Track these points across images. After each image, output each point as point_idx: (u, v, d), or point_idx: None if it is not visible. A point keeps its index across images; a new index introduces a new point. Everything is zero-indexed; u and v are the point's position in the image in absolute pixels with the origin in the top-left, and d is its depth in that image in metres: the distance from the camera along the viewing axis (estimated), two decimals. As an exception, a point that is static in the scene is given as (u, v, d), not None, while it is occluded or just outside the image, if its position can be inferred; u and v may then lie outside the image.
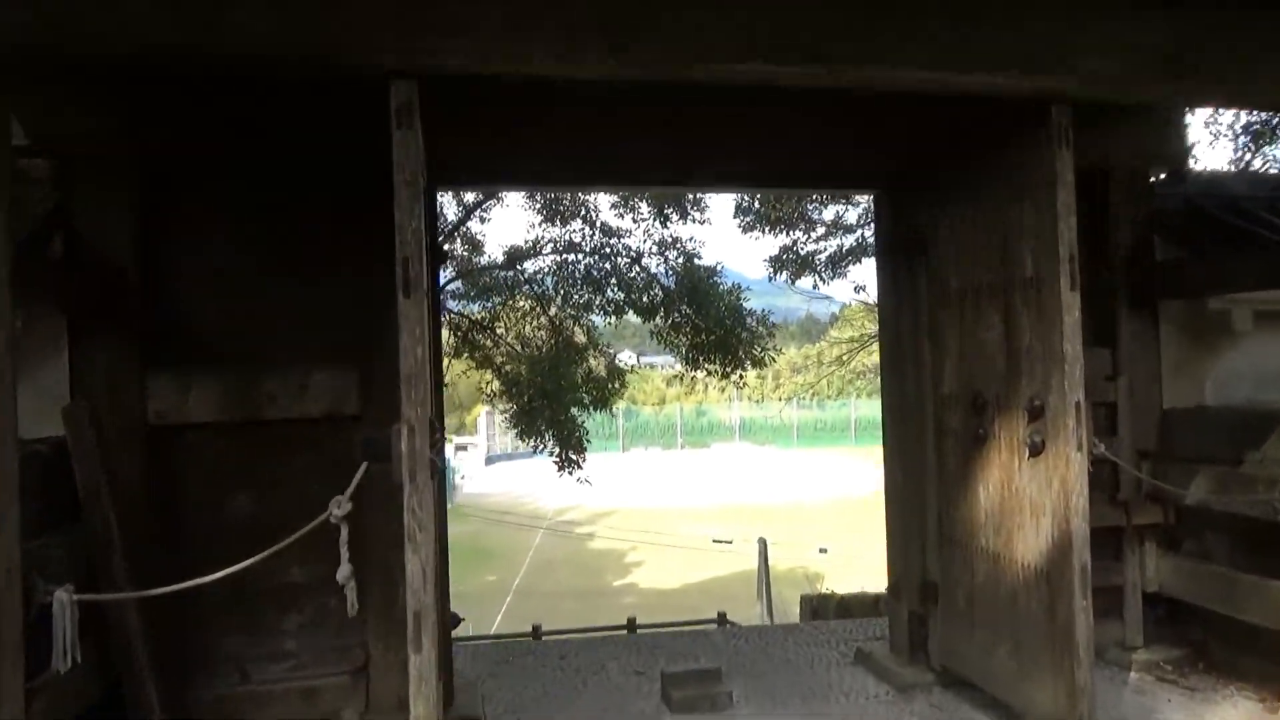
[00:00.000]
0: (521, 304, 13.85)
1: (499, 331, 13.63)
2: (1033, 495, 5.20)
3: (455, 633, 7.44)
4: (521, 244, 13.30)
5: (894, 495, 6.79)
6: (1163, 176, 6.80)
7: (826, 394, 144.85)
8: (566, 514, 69.47)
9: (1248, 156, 11.94)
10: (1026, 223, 5.17)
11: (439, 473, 5.64)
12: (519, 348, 13.50)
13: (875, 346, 16.25)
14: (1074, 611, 4.83)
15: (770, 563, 34.44)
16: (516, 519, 69.61)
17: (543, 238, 13.23)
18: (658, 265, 12.84)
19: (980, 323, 5.68)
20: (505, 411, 12.37)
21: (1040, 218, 5.02)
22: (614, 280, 12.92)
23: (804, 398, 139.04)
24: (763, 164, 6.37)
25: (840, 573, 40.09)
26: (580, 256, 13.00)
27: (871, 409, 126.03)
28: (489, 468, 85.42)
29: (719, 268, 12.68)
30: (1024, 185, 5.14)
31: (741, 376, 12.73)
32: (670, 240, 13.00)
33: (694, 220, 12.84)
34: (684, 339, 12.35)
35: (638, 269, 12.83)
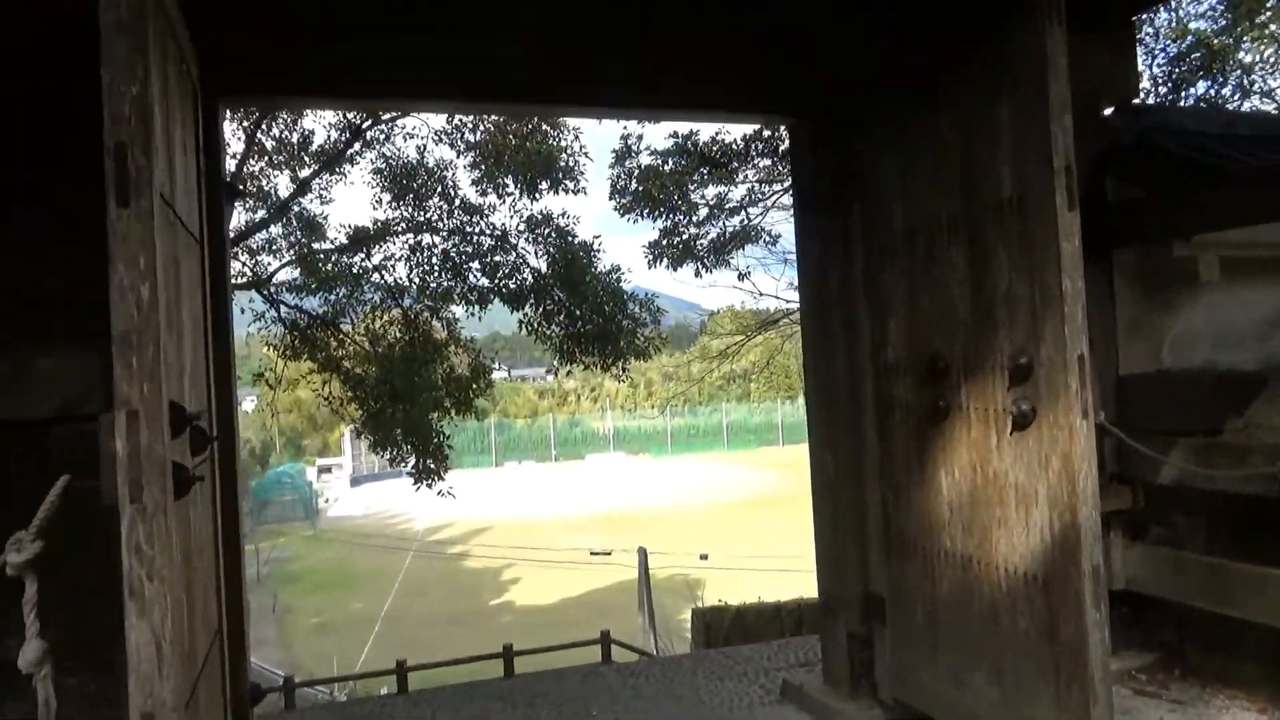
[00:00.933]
0: (370, 296, 11.77)
1: (344, 329, 11.46)
2: (1019, 480, 4.04)
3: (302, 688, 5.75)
4: (369, 225, 11.32)
5: (824, 491, 5.56)
6: (1113, 109, 5.85)
7: (698, 400, 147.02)
8: (438, 533, 66.72)
9: (1164, 91, 11.52)
10: (1003, 130, 4.02)
11: (233, 494, 4.00)
12: (368, 346, 11.29)
13: (742, 351, 15.11)
14: (1085, 628, 3.69)
15: (650, 572, 33.40)
16: (385, 541, 66.41)
17: (393, 218, 11.32)
18: (526, 245, 11.05)
19: (936, 267, 4.51)
20: (353, 421, 10.34)
21: (1024, 119, 3.87)
22: (476, 265, 11.10)
23: (676, 404, 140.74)
24: (654, 82, 5.03)
25: (722, 579, 39.50)
26: (437, 239, 11.14)
27: (741, 413, 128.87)
28: (355, 489, 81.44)
29: (597, 245, 10.94)
30: (1000, 81, 3.99)
31: (624, 369, 11.03)
32: (541, 217, 11.28)
33: (567, 190, 11.09)
34: (558, 329, 10.72)
35: (503, 251, 11.03)
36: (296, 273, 11.42)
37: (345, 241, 11.55)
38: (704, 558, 33.87)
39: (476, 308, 10.79)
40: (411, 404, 9.39)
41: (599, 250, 10.91)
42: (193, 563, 3.43)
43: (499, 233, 11.09)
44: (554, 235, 11.01)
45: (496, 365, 11.06)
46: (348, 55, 4.51)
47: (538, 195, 10.66)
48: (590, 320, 10.40)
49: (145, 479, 2.68)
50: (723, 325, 35.56)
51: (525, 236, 10.48)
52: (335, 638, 49.14)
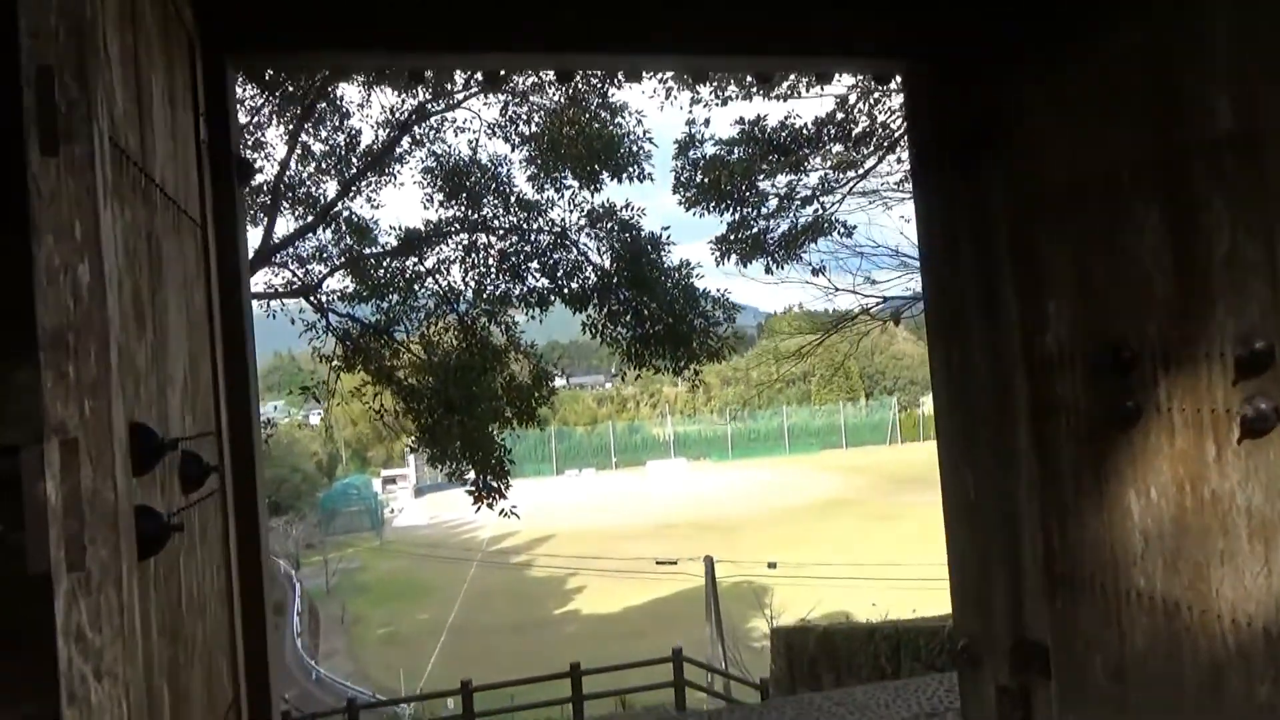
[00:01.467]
0: (424, 302, 10.83)
1: (398, 338, 10.62)
2: (1253, 504, 3.06)
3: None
4: (420, 227, 10.33)
5: (960, 513, 4.61)
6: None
7: (757, 404, 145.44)
8: (502, 542, 66.70)
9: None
10: (1219, 41, 3.05)
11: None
12: (423, 355, 10.42)
13: (814, 351, 14.11)
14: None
15: (716, 580, 32.46)
16: (450, 551, 66.56)
17: (445, 219, 10.48)
18: (588, 241, 10.06)
19: (1117, 228, 3.54)
20: (408, 435, 9.63)
21: (1254, 22, 2.90)
22: (535, 265, 10.18)
23: (736, 408, 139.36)
24: (751, 21, 4.15)
25: (791, 588, 38.35)
26: (493, 239, 10.27)
27: (802, 416, 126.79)
28: (419, 499, 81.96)
29: (665, 237, 9.92)
30: (1216, -25, 3.02)
31: (697, 373, 9.98)
32: (603, 210, 10.27)
33: (630, 178, 9.97)
34: (624, 331, 9.72)
35: (563, 249, 10.14)
36: (347, 281, 10.83)
37: (395, 244, 10.71)
38: (772, 566, 32.82)
39: (536, 310, 10.06)
40: (470, 416, 8.67)
41: (668, 244, 9.99)
42: (185, 630, 2.66)
43: (558, 229, 10.18)
44: (618, 229, 10.05)
45: (559, 372, 10.30)
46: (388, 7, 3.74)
47: (599, 186, 9.83)
48: (660, 320, 9.42)
49: (89, 535, 1.90)
50: (783, 326, 34.52)
51: (586, 232, 10.04)
52: (402, 648, 49.22)
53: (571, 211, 10.33)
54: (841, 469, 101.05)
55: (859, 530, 63.98)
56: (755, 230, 10.96)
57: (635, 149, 9.63)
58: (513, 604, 53.11)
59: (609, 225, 10.03)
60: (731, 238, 10.91)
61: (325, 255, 10.36)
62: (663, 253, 9.84)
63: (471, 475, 9.71)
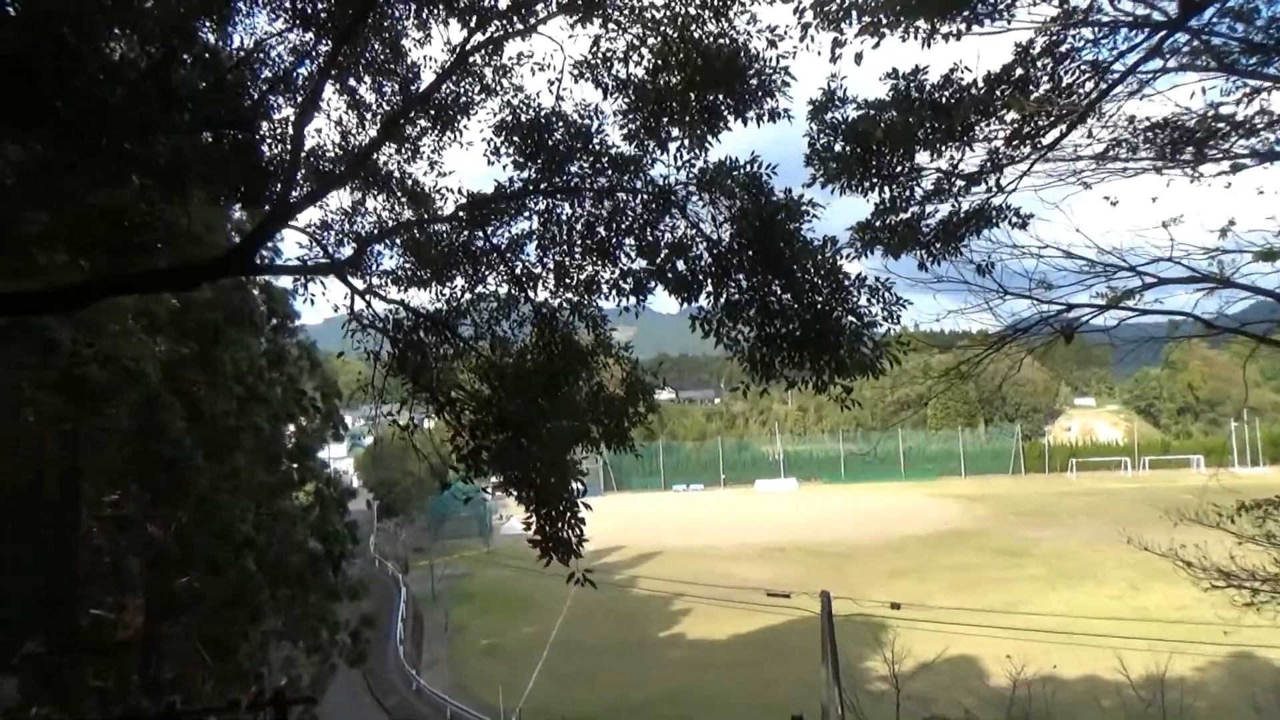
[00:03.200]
0: (494, 287, 8.54)
1: (462, 333, 8.37)
2: None
3: None
4: (489, 192, 8.03)
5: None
6: None
7: (870, 425, 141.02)
8: (606, 557, 65.15)
9: None
10: None
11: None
12: (492, 354, 8.18)
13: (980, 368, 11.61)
14: None
15: (833, 618, 29.93)
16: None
17: (520, 182, 8.03)
18: (699, 209, 7.35)
19: None
20: (461, 454, 7.12)
21: None
22: (630, 241, 7.71)
23: (849, 430, 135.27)
24: None
25: (911, 628, 35.35)
26: (579, 208, 7.91)
27: (917, 440, 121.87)
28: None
29: (805, 200, 7.19)
30: None
31: (847, 390, 7.22)
32: (722, 167, 7.40)
33: (761, 115, 7.51)
34: (746, 329, 7.21)
35: (668, 218, 7.61)
36: (396, 257, 8.82)
37: (458, 212, 8.35)
38: (895, 607, 29.98)
39: (631, 300, 7.51)
40: (531, 438, 6.62)
41: (810, 212, 7.23)
42: None
43: (662, 190, 7.67)
44: (740, 190, 7.30)
45: (661, 382, 7.91)
46: None
47: (716, 128, 7.25)
48: (795, 316, 6.92)
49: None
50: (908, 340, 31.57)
51: (698, 199, 7.41)
52: (503, 662, 48.19)
53: (680, 167, 7.76)
54: (961, 497, 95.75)
55: (982, 566, 59.75)
56: (909, 215, 8.79)
57: (767, 77, 7.16)
58: (616, 623, 51.40)
59: (727, 185, 7.28)
60: (877, 224, 8.72)
61: (360, 217, 8.57)
62: (802, 221, 7.16)
63: (535, 515, 7.24)
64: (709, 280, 6.48)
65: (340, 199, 7.71)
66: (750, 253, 6.18)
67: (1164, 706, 29.89)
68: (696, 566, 61.49)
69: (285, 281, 27.22)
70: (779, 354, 6.24)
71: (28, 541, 22.79)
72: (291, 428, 24.12)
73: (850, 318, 6.07)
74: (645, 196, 6.90)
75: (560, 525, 6.92)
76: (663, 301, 7.77)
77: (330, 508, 23.08)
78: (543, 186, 7.12)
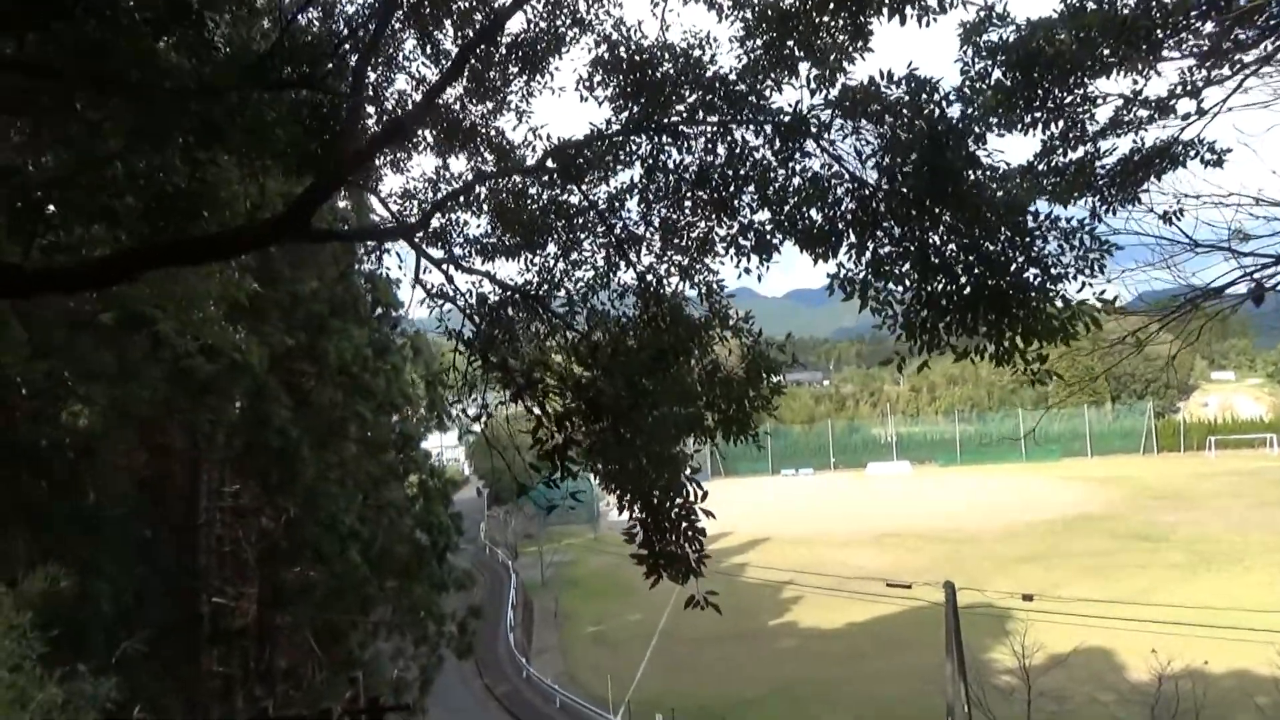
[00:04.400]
0: (590, 254, 7.30)
1: (555, 306, 7.14)
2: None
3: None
4: (586, 134, 6.79)
5: None
6: None
7: (987, 405, 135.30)
8: (715, 543, 63.96)
9: None
10: None
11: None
12: (588, 331, 7.01)
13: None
14: None
15: (958, 610, 28.13)
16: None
17: (619, 127, 6.82)
18: (843, 140, 5.84)
19: None
20: (542, 447, 5.74)
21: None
22: (752, 190, 6.24)
23: (964, 410, 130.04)
24: None
25: (1040, 618, 33.00)
26: (689, 154, 6.54)
27: (1037, 420, 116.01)
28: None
29: (976, 116, 5.86)
30: None
31: (1040, 357, 5.50)
32: (869, 87, 5.82)
33: (922, 15, 5.92)
34: (901, 287, 5.69)
35: (799, 159, 6.07)
36: (481, 226, 7.65)
37: (545, 162, 7.13)
38: (1028, 599, 27.93)
39: (753, 260, 6.22)
40: (641, 430, 5.36)
41: (984, 137, 5.58)
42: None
43: (791, 123, 6.09)
44: (894, 113, 5.69)
45: (790, 359, 6.46)
46: None
47: (864, 37, 5.95)
48: (965, 268, 5.37)
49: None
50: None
51: (838, 129, 5.76)
52: (611, 651, 47.82)
53: (815, 89, 6.19)
54: (1088, 480, 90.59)
55: (1114, 551, 56.08)
56: (1080, 154, 7.31)
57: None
58: (725, 610, 49.83)
59: (876, 108, 5.72)
60: (1040, 166, 7.24)
61: (440, 178, 7.50)
62: (977, 151, 5.48)
63: (641, 526, 5.84)
64: (851, 229, 5.21)
65: (421, 164, 6.91)
66: (906, 191, 4.88)
67: (1334, 706, 27.05)
68: (807, 553, 59.79)
69: (392, 271, 27.01)
70: (944, 317, 4.91)
71: (156, 530, 23.38)
72: (396, 418, 23.92)
73: (1033, 269, 4.71)
74: (770, 132, 5.65)
75: (673, 536, 5.59)
76: (767, 282, 6.59)
77: (435, 499, 22.77)
78: (647, 127, 5.98)
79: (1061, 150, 7.62)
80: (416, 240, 6.23)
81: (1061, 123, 7.44)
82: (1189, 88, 7.74)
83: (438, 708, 29.44)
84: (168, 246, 5.24)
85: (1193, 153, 7.77)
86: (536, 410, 5.23)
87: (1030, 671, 31.70)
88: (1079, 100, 7.53)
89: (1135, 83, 7.58)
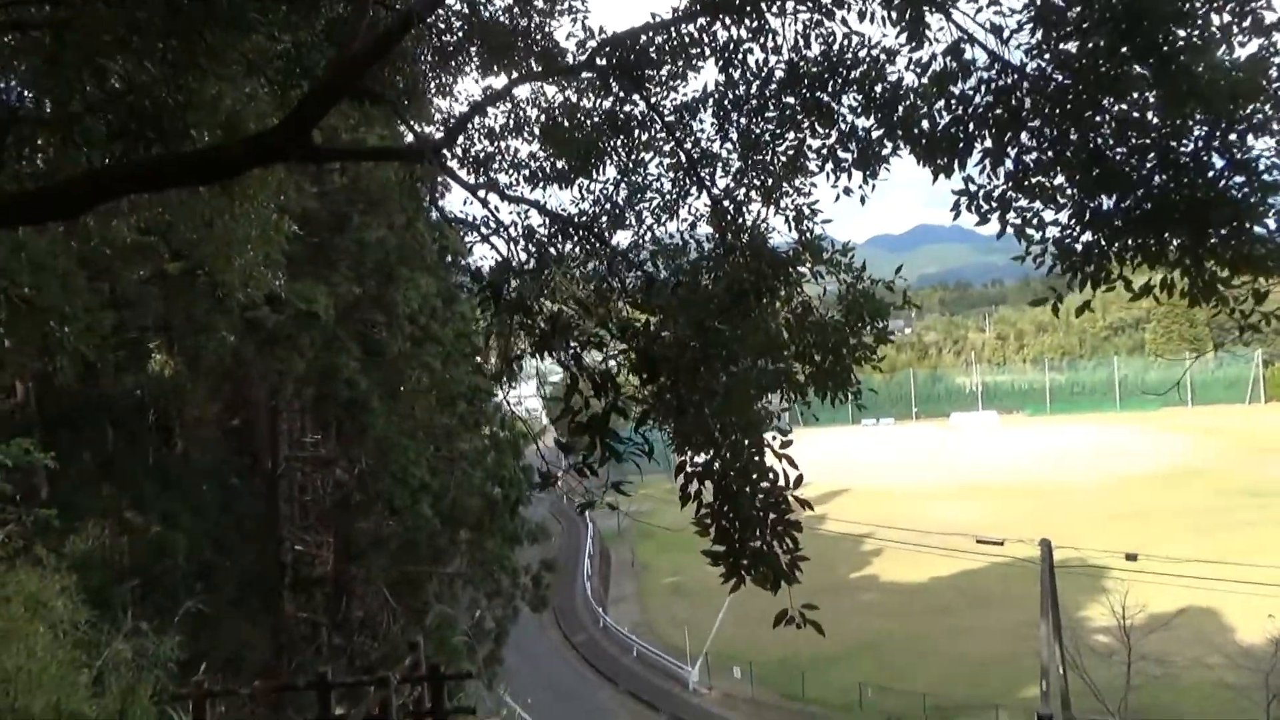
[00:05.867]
0: (653, 173, 6.12)
1: (607, 235, 6.09)
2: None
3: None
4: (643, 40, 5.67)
5: None
6: None
7: (1079, 353, 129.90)
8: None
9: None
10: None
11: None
12: (653, 265, 5.87)
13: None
14: None
15: (1054, 569, 26.71)
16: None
17: (685, 31, 5.60)
18: (976, 13, 4.32)
19: None
20: (570, 418, 4.65)
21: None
22: (854, 92, 5.05)
23: (1053, 359, 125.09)
24: None
25: (1146, 580, 31.07)
26: (771, 55, 5.28)
27: (1134, 369, 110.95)
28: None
29: None
30: None
31: (1255, 295, 3.96)
32: None
33: None
34: (1052, 206, 4.26)
35: (915, 45, 4.65)
36: (524, 146, 6.43)
37: (595, 59, 5.88)
38: (1131, 558, 26.28)
39: (856, 177, 5.14)
40: (713, 388, 4.23)
41: None
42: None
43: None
44: None
45: (902, 299, 5.14)
46: None
47: None
48: (1150, 174, 4.00)
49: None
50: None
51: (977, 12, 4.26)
52: (688, 601, 47.54)
53: None
54: (1189, 430, 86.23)
55: (1219, 508, 53.12)
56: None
57: None
58: (805, 564, 49.36)
59: None
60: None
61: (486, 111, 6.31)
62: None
63: (717, 527, 4.67)
64: (987, 131, 4.00)
65: (461, 84, 5.85)
66: (1066, 76, 3.62)
67: None
68: (889, 506, 58.34)
69: (456, 212, 26.25)
70: (1115, 241, 3.68)
71: (242, 478, 23.63)
72: (469, 368, 23.46)
73: (1239, 176, 3.45)
74: (880, 8, 4.44)
75: (758, 531, 4.44)
76: (847, 225, 5.41)
77: (506, 452, 22.30)
78: (722, 17, 4.83)
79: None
80: (444, 160, 5.28)
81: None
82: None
83: (515, 656, 29.50)
84: (134, 167, 4.47)
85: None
86: (570, 367, 4.18)
87: (1131, 633, 30.18)
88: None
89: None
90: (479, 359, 23.12)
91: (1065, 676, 26.54)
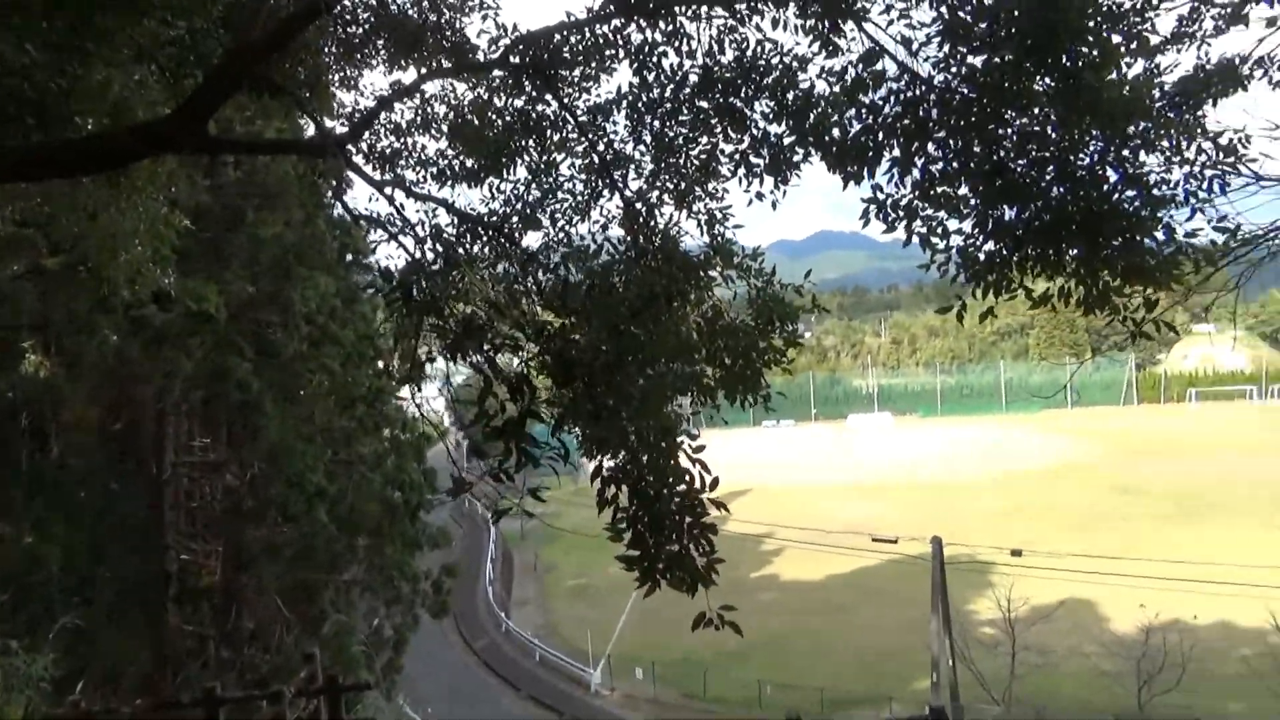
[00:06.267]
0: (569, 178, 6.04)
1: (517, 236, 5.89)
2: None
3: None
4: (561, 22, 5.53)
5: None
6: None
7: (968, 357, 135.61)
8: (694, 496, 63.74)
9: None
10: None
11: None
12: (565, 267, 5.67)
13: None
14: None
15: (944, 565, 27.69)
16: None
17: (599, 32, 5.51)
18: (888, 25, 4.39)
19: None
20: (484, 422, 4.51)
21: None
22: (766, 97, 5.06)
23: (944, 362, 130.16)
24: None
25: (1030, 574, 32.59)
26: (686, 60, 5.28)
27: (1018, 372, 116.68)
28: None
29: None
30: None
31: (1146, 304, 4.29)
32: None
33: None
34: (955, 216, 4.43)
35: (828, 52, 4.77)
36: (434, 144, 6.30)
37: (508, 57, 5.65)
38: (1016, 554, 27.48)
39: (768, 182, 5.15)
40: (626, 392, 4.18)
41: None
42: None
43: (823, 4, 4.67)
44: None
45: (811, 303, 5.22)
46: None
47: None
48: (1049, 185, 4.17)
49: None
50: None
51: (881, 9, 4.38)
52: (592, 602, 47.41)
53: None
54: (1069, 431, 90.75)
55: (1098, 505, 56.07)
56: (1137, 71, 6.17)
57: None
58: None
59: None
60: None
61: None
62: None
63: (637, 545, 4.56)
64: (896, 141, 4.08)
65: (370, 79, 5.71)
66: (971, 90, 3.74)
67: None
68: (789, 505, 59.50)
69: (360, 209, 25.51)
70: (1017, 250, 3.81)
71: (123, 483, 22.37)
72: (371, 370, 22.84)
73: (1131, 190, 3.63)
74: (795, 18, 4.47)
75: (674, 535, 4.40)
76: (748, 232, 5.47)
77: (407, 455, 21.80)
78: (637, 19, 4.79)
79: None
80: (349, 155, 5.08)
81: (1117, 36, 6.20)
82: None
83: (415, 664, 28.88)
84: (12, 154, 4.14)
85: (1260, 72, 6.72)
86: (485, 370, 4.08)
87: (1015, 625, 31.56)
88: (1137, 6, 6.27)
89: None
90: (381, 362, 22.54)
91: (954, 668, 27.56)
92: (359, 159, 5.72)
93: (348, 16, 6.23)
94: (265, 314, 21.14)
